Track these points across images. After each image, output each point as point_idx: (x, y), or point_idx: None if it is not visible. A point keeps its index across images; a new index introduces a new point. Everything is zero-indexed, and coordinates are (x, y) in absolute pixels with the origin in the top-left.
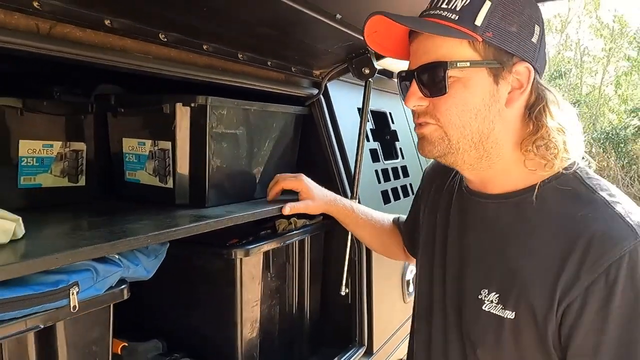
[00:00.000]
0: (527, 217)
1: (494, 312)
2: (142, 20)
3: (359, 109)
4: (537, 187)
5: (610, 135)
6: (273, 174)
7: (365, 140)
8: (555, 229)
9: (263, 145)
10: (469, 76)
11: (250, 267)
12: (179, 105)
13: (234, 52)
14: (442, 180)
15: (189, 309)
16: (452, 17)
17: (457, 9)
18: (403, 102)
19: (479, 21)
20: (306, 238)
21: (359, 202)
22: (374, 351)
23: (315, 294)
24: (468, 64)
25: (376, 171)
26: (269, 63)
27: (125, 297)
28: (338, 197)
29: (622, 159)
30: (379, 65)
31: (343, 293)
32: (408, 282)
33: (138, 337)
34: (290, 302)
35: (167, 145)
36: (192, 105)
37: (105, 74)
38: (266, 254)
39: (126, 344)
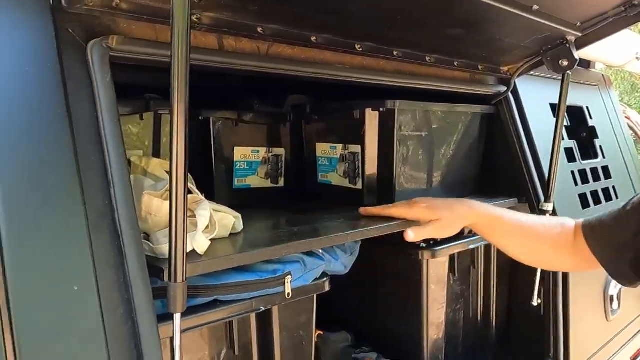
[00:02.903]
0: None
1: None
2: (343, 33)
3: (551, 105)
4: None
5: None
6: (457, 175)
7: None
8: None
9: (447, 147)
10: None
11: (436, 269)
12: (368, 111)
13: (422, 56)
14: None
15: (375, 305)
16: None
17: None
18: None
19: None
20: None
21: (553, 206)
22: None
23: (501, 302)
24: None
25: (572, 172)
26: (455, 63)
27: (327, 289)
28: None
29: None
30: (578, 55)
31: (535, 303)
32: (612, 297)
33: (328, 327)
34: (475, 308)
35: (357, 148)
36: (381, 109)
37: (294, 85)
38: (452, 256)
39: (321, 333)
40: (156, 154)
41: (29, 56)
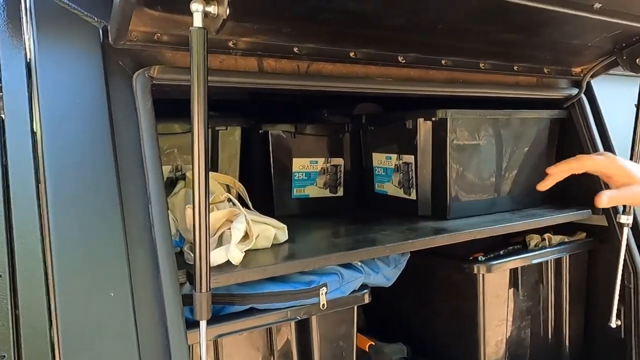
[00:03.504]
0: None
1: None
2: (382, 47)
3: (636, 106)
4: None
5: None
6: (524, 185)
7: None
8: None
9: (511, 156)
10: None
11: (494, 284)
12: (420, 120)
13: (475, 63)
14: None
15: (431, 318)
16: None
17: None
18: None
19: None
20: (564, 257)
21: (634, 219)
22: None
23: (575, 321)
24: None
25: None
26: (515, 68)
27: (367, 301)
28: None
29: None
30: None
31: (614, 325)
32: None
33: (383, 336)
34: (545, 327)
35: (410, 158)
36: (433, 119)
37: (363, 94)
38: (513, 271)
39: (373, 343)
40: (214, 167)
41: (79, 88)
